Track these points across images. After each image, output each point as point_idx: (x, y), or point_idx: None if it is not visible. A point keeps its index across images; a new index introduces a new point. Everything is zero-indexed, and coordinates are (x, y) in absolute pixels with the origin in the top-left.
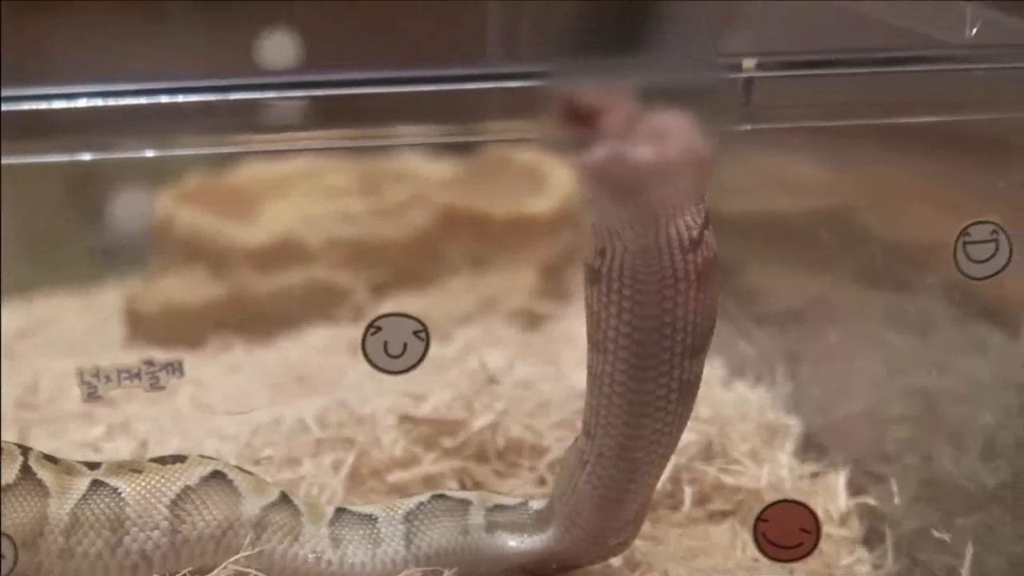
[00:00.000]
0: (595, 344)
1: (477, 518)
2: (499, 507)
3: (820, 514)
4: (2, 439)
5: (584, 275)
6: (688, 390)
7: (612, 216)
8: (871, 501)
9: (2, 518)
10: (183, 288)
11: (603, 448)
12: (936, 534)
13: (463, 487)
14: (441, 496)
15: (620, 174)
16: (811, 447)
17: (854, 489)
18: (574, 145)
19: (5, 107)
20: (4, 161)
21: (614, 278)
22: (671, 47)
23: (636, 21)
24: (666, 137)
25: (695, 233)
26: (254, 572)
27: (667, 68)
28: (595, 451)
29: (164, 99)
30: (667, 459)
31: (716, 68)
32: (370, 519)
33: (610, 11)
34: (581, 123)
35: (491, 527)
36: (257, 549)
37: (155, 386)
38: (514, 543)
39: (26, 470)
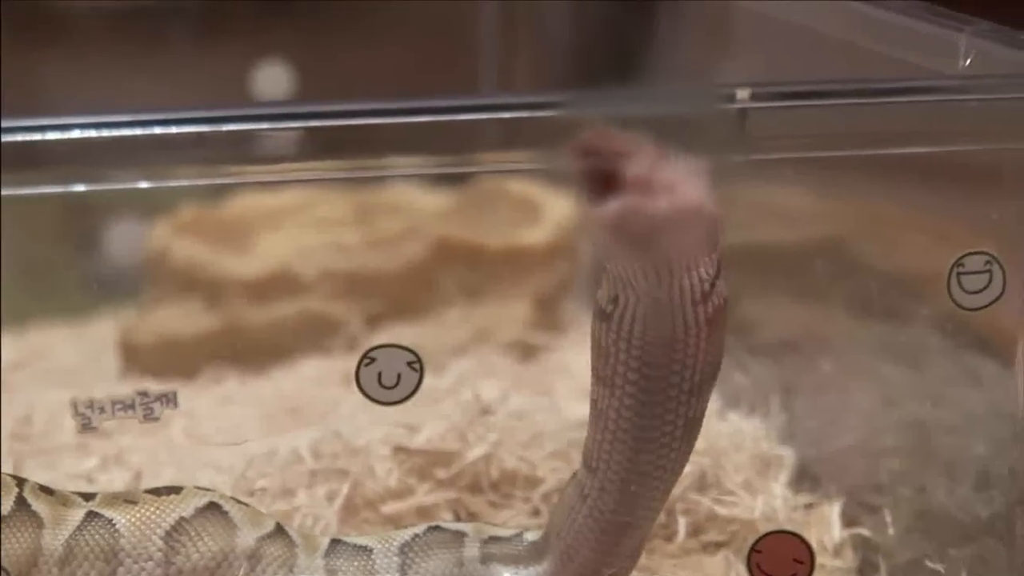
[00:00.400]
0: (601, 379)
1: (472, 550)
2: (494, 539)
3: (814, 545)
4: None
5: (593, 311)
6: (693, 426)
7: (626, 266)
8: (865, 532)
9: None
10: (177, 319)
11: (605, 483)
12: (930, 565)
13: (457, 518)
14: (436, 528)
15: (636, 227)
16: (805, 478)
17: (848, 520)
18: (588, 193)
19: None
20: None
21: (624, 324)
22: (665, 77)
23: (630, 52)
24: (683, 187)
25: (707, 285)
26: None
27: (666, 99)
28: (597, 485)
29: (158, 130)
30: (668, 493)
31: (712, 98)
32: (365, 551)
33: (604, 42)
34: (595, 165)
35: (486, 559)
36: None
37: (149, 417)
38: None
39: (21, 502)
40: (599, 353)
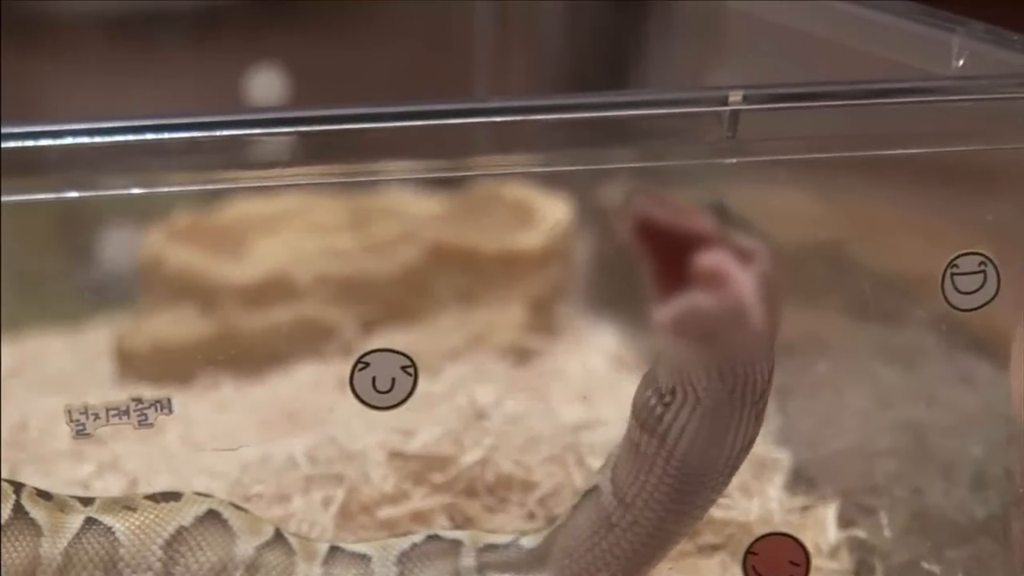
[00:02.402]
0: (649, 431)
1: (468, 560)
2: (490, 547)
3: (810, 547)
4: None
5: (649, 387)
6: (735, 469)
7: (690, 361)
8: (861, 534)
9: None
10: (172, 325)
11: (640, 519)
12: (926, 566)
13: (453, 522)
14: (434, 537)
15: (704, 326)
16: (801, 480)
17: (844, 522)
18: (653, 282)
19: None
20: None
21: (679, 420)
22: (658, 81)
23: (623, 55)
24: (750, 281)
25: (766, 384)
26: None
27: (659, 102)
28: (630, 519)
29: (151, 136)
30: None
31: (705, 101)
32: (364, 559)
33: (597, 46)
34: (660, 247)
35: (482, 568)
36: None
37: (143, 423)
38: None
39: (19, 509)
40: (652, 420)
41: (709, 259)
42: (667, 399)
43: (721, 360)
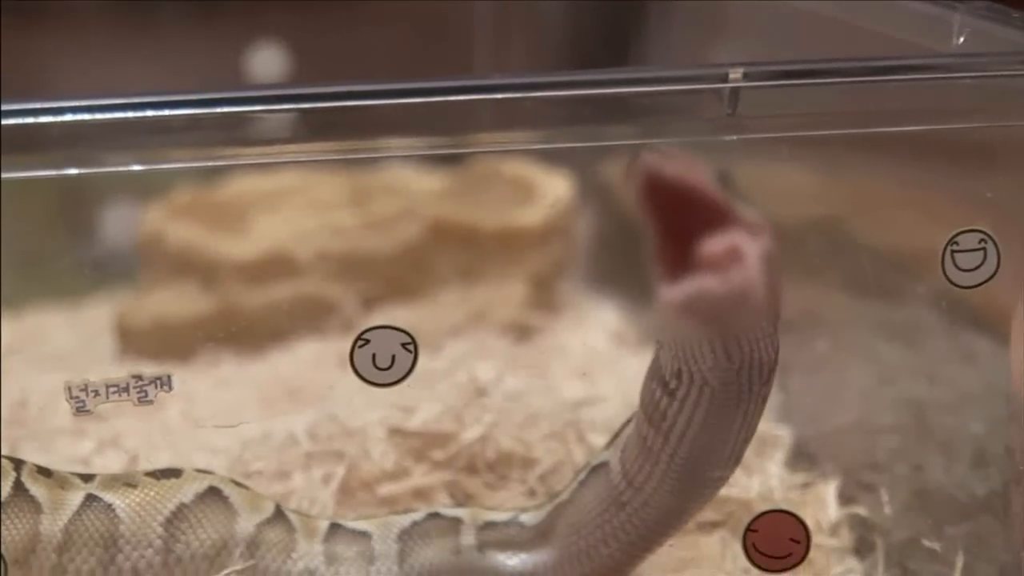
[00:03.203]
0: (656, 426)
1: (468, 537)
2: (490, 524)
3: (810, 524)
4: None
5: (654, 377)
6: (740, 457)
7: (695, 342)
8: (861, 511)
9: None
10: (173, 302)
11: (651, 500)
12: (926, 543)
13: (453, 499)
14: (435, 515)
15: (711, 307)
16: (801, 457)
17: (844, 499)
18: (660, 262)
19: None
20: None
21: (687, 406)
22: (659, 60)
23: (623, 36)
24: (756, 261)
25: (773, 364)
26: None
27: (660, 79)
28: (640, 501)
29: (152, 113)
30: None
31: (705, 78)
32: (364, 536)
33: (597, 22)
34: (668, 219)
35: (482, 546)
36: (251, 562)
37: (143, 400)
38: (505, 562)
39: (19, 486)
40: (657, 415)
41: (722, 241)
42: (672, 385)
43: (727, 338)
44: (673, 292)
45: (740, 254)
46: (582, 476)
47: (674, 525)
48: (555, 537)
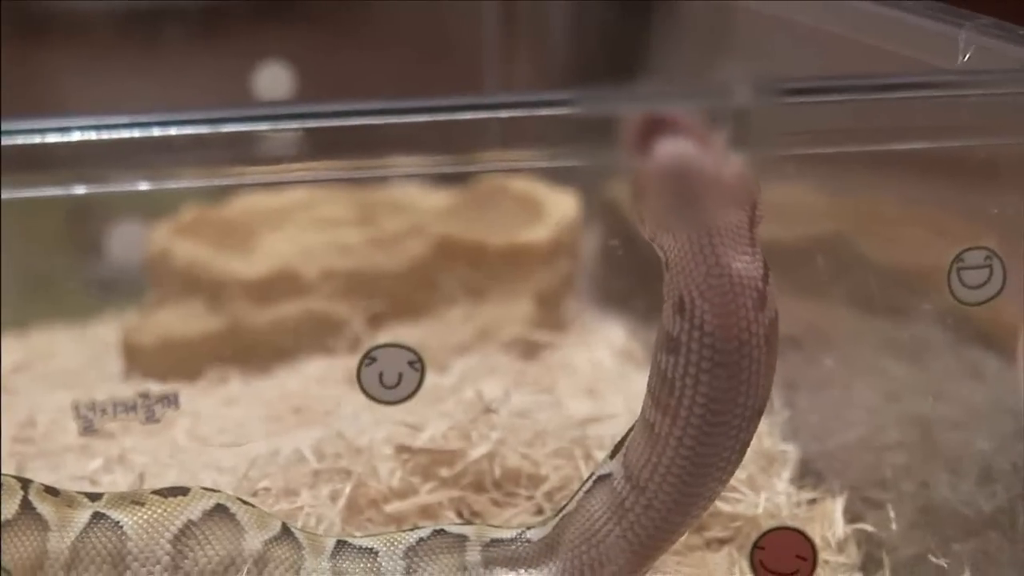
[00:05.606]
0: (663, 407)
1: (474, 554)
2: (496, 541)
3: (817, 541)
4: (2, 473)
5: (658, 343)
6: (744, 449)
7: (672, 231)
8: (868, 527)
9: (1, 554)
10: (179, 320)
11: (655, 501)
12: (933, 560)
13: (460, 517)
14: (441, 531)
15: (684, 175)
16: (808, 474)
17: (851, 515)
18: (636, 145)
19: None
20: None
21: (693, 347)
22: (666, 76)
23: (630, 52)
24: (718, 143)
25: (760, 283)
26: None
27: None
28: (643, 503)
29: (158, 131)
30: (708, 508)
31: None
32: (371, 553)
33: (605, 43)
34: (642, 126)
35: (488, 563)
36: None
37: (150, 419)
38: None
39: (26, 504)
40: (664, 384)
41: (684, 117)
42: (675, 330)
43: (702, 233)
44: (648, 154)
45: (698, 133)
46: (586, 487)
47: (677, 530)
48: (561, 549)
